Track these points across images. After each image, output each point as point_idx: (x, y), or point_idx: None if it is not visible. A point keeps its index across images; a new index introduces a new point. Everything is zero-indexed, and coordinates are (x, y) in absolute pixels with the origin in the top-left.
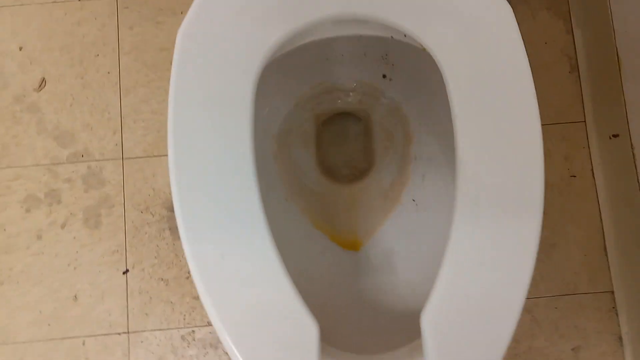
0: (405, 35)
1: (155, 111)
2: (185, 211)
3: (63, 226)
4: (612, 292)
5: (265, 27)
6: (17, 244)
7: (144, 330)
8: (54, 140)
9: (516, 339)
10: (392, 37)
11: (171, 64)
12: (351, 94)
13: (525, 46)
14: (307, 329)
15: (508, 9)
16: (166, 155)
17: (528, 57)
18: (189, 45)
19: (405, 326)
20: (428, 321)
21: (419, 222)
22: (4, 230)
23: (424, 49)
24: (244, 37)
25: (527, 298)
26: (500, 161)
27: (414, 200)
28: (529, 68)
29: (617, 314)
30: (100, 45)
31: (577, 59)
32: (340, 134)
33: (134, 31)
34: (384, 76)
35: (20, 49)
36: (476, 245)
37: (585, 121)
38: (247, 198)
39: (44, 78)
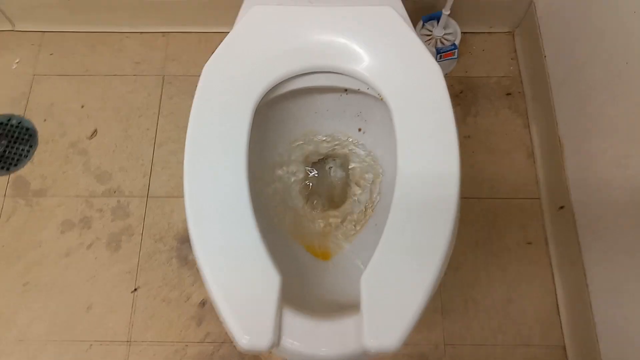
0: (358, 89)
1: (180, 161)
2: (192, 198)
3: (89, 247)
4: (564, 347)
5: (262, 72)
6: (48, 259)
7: (143, 342)
8: (94, 178)
9: None
10: (345, 90)
11: None
12: (333, 141)
13: (490, 136)
14: (272, 275)
15: (437, 67)
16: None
17: (492, 145)
18: (209, 77)
19: (352, 309)
20: (364, 280)
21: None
22: (40, 246)
23: (381, 98)
24: (248, 78)
25: (486, 345)
26: (426, 171)
27: (376, 225)
28: (452, 110)
29: None
30: (145, 109)
31: (532, 147)
32: (323, 172)
33: (172, 100)
34: (359, 129)
35: (82, 107)
36: (404, 231)
37: (540, 197)
38: (238, 189)
39: (96, 129)
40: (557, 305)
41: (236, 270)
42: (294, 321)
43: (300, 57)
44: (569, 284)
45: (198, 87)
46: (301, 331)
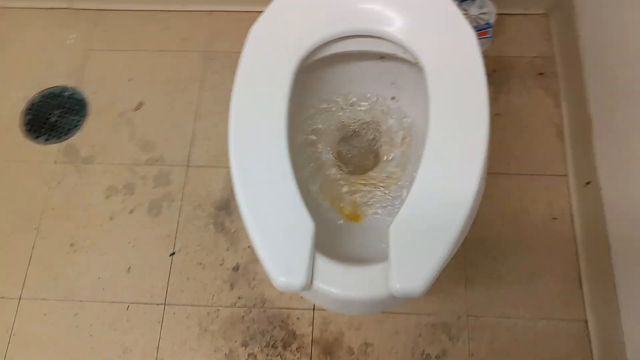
0: (394, 54)
1: (219, 133)
2: (236, 150)
3: (131, 212)
4: (586, 321)
5: (303, 36)
6: (93, 222)
7: (178, 304)
8: (139, 147)
9: (495, 353)
10: (382, 56)
11: None
12: (367, 108)
13: (521, 114)
14: (307, 222)
15: (472, 32)
16: (223, 167)
17: (522, 123)
18: (254, 41)
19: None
20: (393, 228)
21: None
22: (87, 210)
23: (417, 62)
24: (289, 42)
25: (508, 318)
26: (456, 132)
27: (405, 188)
28: (484, 74)
29: (589, 341)
30: (189, 82)
31: (562, 126)
32: (357, 137)
33: (215, 75)
34: (393, 98)
35: (130, 80)
36: (432, 186)
37: (567, 174)
38: (278, 145)
39: (141, 102)
40: (580, 279)
41: (274, 216)
42: (325, 265)
43: (339, 21)
44: (592, 259)
45: (244, 48)
46: (332, 275)
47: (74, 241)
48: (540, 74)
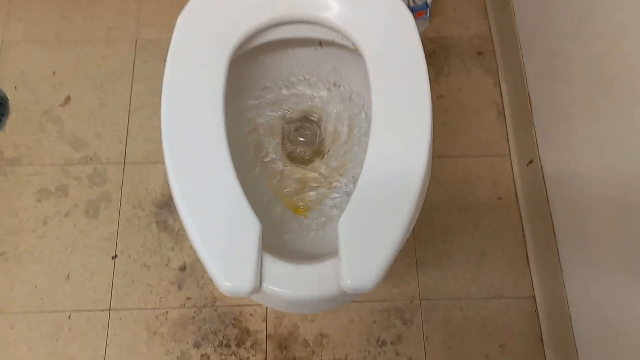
0: (333, 40)
1: (155, 127)
2: (171, 150)
3: (66, 215)
4: (534, 297)
5: (236, 22)
6: (25, 227)
7: (123, 309)
8: (69, 145)
9: (449, 334)
10: (320, 42)
11: None
12: (308, 97)
13: (461, 95)
14: (252, 223)
15: (409, 15)
16: (161, 162)
17: (464, 104)
18: (184, 27)
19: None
20: (341, 224)
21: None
22: (17, 215)
23: (356, 49)
24: (222, 28)
25: (460, 299)
26: (399, 121)
27: (352, 177)
28: (424, 57)
29: (538, 317)
30: (119, 74)
31: (503, 106)
32: (300, 127)
33: (147, 65)
34: (334, 84)
35: (54, 73)
36: (378, 179)
37: (510, 154)
38: (216, 141)
39: (69, 96)
40: (527, 257)
41: (217, 219)
42: (274, 266)
43: (272, 7)
44: (538, 236)
45: (173, 39)
46: (281, 275)
47: (4, 250)
48: (479, 53)
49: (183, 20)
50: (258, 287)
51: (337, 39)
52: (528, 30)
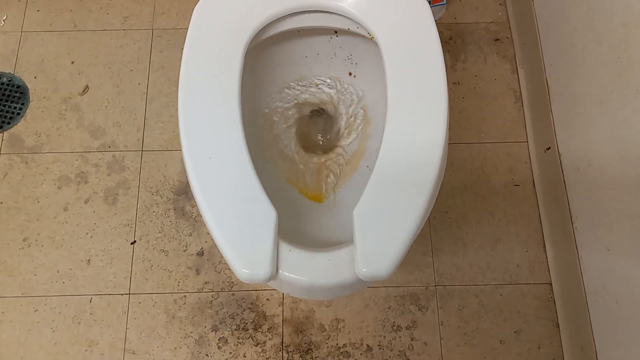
0: (348, 29)
1: (172, 115)
2: (187, 132)
3: (86, 201)
4: (550, 284)
5: (252, 13)
6: (46, 214)
7: (143, 293)
8: (88, 133)
9: (465, 320)
10: (335, 31)
11: None
12: (324, 85)
13: (478, 82)
14: (268, 211)
15: (425, 4)
16: (179, 150)
17: (481, 91)
18: (199, 21)
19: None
20: (357, 212)
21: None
22: (38, 202)
23: (371, 37)
24: (238, 19)
25: (475, 285)
26: (416, 111)
27: (367, 166)
28: (440, 46)
29: (554, 303)
30: (135, 63)
31: (520, 92)
32: (315, 116)
33: (163, 54)
34: (350, 73)
35: (72, 62)
36: (394, 167)
37: (527, 141)
38: (233, 132)
39: (87, 85)
40: (544, 243)
41: (234, 206)
42: (290, 254)
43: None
44: (555, 223)
45: (189, 31)
46: (297, 263)
47: (27, 235)
48: (497, 39)
49: (198, 12)
50: (275, 274)
51: (353, 27)
52: (546, 17)
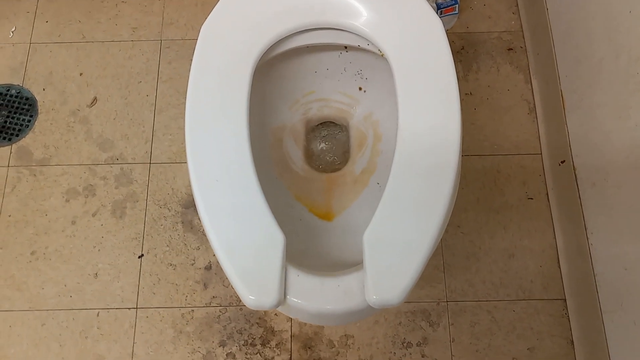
0: (358, 46)
1: (181, 127)
2: (194, 154)
3: (94, 215)
4: (564, 300)
5: (261, 30)
6: (54, 227)
7: (150, 307)
8: (96, 146)
9: (476, 336)
10: (345, 47)
11: None
12: (334, 101)
13: (491, 92)
14: (276, 235)
15: (438, 21)
16: (186, 162)
17: (494, 102)
18: (207, 39)
19: (356, 267)
20: (367, 237)
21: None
22: (46, 215)
23: (382, 54)
24: (246, 37)
25: (488, 301)
26: (427, 128)
27: (378, 183)
28: (453, 67)
29: (568, 320)
30: (144, 74)
31: (534, 103)
32: (325, 132)
33: (171, 65)
34: (360, 88)
35: (81, 74)
36: (406, 189)
37: (541, 153)
38: (240, 151)
39: (95, 97)
40: (558, 259)
41: (241, 231)
42: (298, 279)
43: (298, 13)
44: (569, 238)
45: (196, 49)
46: (306, 289)
47: (35, 249)
48: (510, 49)
49: (206, 29)
50: (282, 301)
51: (363, 44)
52: (562, 27)
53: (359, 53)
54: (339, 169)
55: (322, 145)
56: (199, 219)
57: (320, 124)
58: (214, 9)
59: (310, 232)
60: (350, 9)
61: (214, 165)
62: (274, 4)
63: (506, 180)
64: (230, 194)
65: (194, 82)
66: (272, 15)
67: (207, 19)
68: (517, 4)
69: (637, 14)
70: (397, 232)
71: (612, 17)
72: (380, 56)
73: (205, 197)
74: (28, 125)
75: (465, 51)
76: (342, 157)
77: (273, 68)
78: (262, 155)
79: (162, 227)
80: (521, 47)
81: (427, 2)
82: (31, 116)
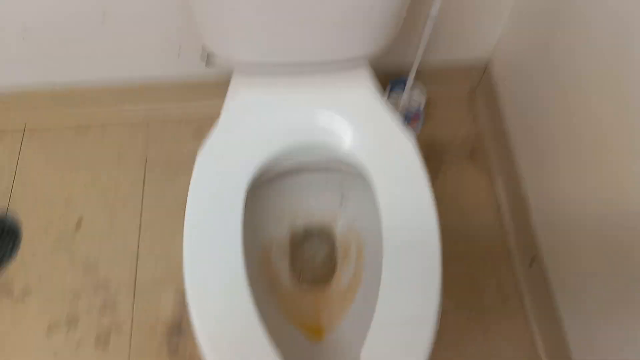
0: (340, 168)
1: (165, 246)
2: (192, 282)
3: (77, 347)
4: None
5: (252, 156)
6: None
7: None
8: (81, 271)
9: None
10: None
11: (183, 211)
12: (317, 216)
13: (458, 197)
14: None
15: (412, 144)
16: (172, 282)
17: (462, 206)
18: (203, 167)
19: None
20: (364, 355)
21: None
22: (25, 349)
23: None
24: (238, 161)
25: None
26: (410, 242)
27: (365, 295)
28: (428, 181)
29: None
30: (129, 195)
31: (499, 204)
32: (310, 246)
33: (156, 186)
34: (341, 202)
35: (66, 197)
36: (396, 304)
37: (510, 252)
38: (236, 274)
39: (80, 219)
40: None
41: (238, 356)
42: None
43: (288, 138)
44: (548, 338)
45: (193, 177)
46: None
47: None
48: (472, 153)
49: (202, 159)
50: None
51: (343, 167)
52: (519, 131)
53: (340, 172)
54: (326, 282)
55: (307, 259)
56: (184, 343)
57: (305, 237)
58: (207, 141)
59: (302, 354)
60: (332, 139)
61: (211, 285)
62: (261, 135)
63: (481, 283)
64: (227, 316)
65: (192, 207)
66: (261, 143)
67: (201, 150)
68: (478, 110)
69: (584, 115)
70: (392, 347)
71: (568, 119)
72: (359, 173)
73: (201, 317)
74: (11, 254)
75: (430, 157)
76: (327, 271)
77: (261, 188)
78: (253, 274)
79: (147, 354)
80: (483, 151)
81: (401, 126)
82: (14, 243)
